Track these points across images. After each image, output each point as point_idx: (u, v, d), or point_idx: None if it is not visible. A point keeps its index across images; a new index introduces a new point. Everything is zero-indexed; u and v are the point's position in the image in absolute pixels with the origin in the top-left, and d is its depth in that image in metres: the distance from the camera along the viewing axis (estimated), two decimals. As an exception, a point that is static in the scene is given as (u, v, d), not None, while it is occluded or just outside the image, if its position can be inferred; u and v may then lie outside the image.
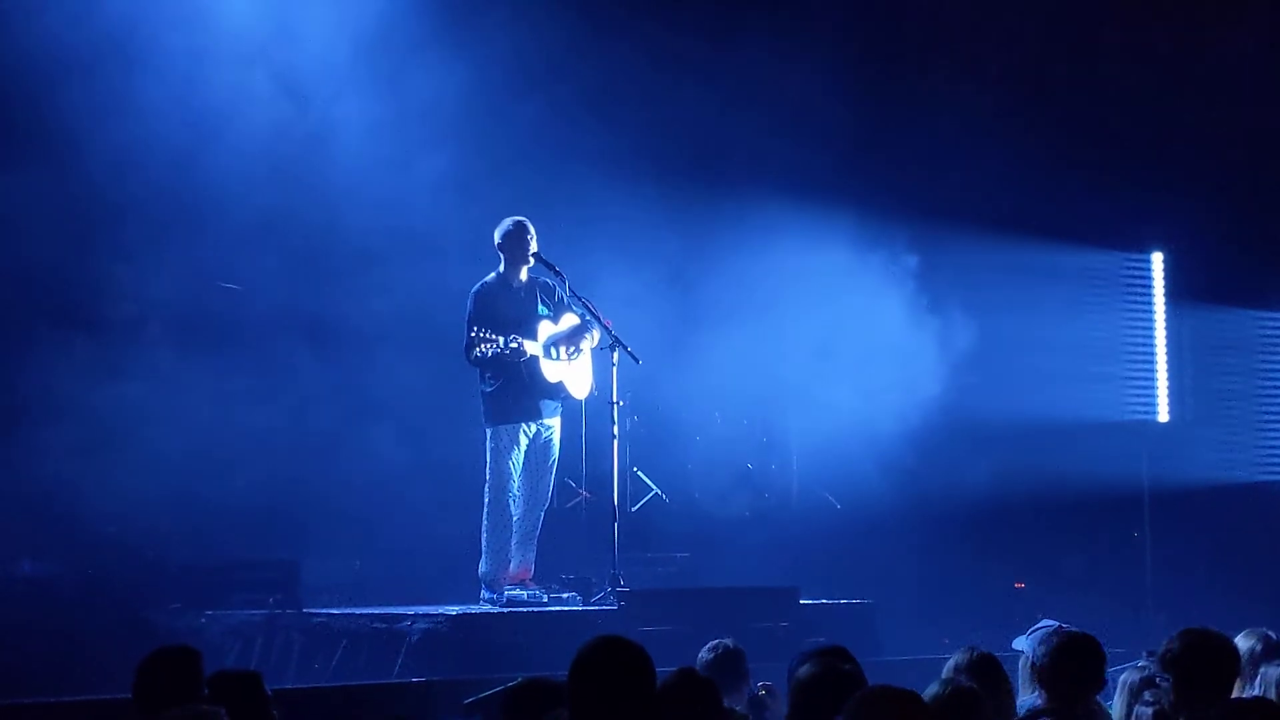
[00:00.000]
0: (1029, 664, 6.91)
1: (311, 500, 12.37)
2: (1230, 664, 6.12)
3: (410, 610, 10.60)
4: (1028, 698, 6.60)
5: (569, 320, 11.25)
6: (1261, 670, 6.90)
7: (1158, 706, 6.16)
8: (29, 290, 11.66)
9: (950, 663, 6.27)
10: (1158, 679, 6.14)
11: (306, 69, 12.30)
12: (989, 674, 6.11)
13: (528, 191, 12.31)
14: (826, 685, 5.20)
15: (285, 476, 12.36)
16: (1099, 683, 6.36)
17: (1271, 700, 6.36)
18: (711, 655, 7.15)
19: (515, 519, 11.12)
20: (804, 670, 5.36)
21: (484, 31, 12.63)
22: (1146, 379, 15.76)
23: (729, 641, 7.24)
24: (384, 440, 12.45)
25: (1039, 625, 7.27)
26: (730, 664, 7.09)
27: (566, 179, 12.78)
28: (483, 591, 11.15)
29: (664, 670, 5.46)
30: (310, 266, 12.32)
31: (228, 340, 12.34)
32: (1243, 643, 6.96)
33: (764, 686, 7.20)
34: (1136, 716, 6.30)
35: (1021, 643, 7.26)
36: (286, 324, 12.39)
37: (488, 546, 11.13)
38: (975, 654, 6.28)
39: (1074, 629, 6.74)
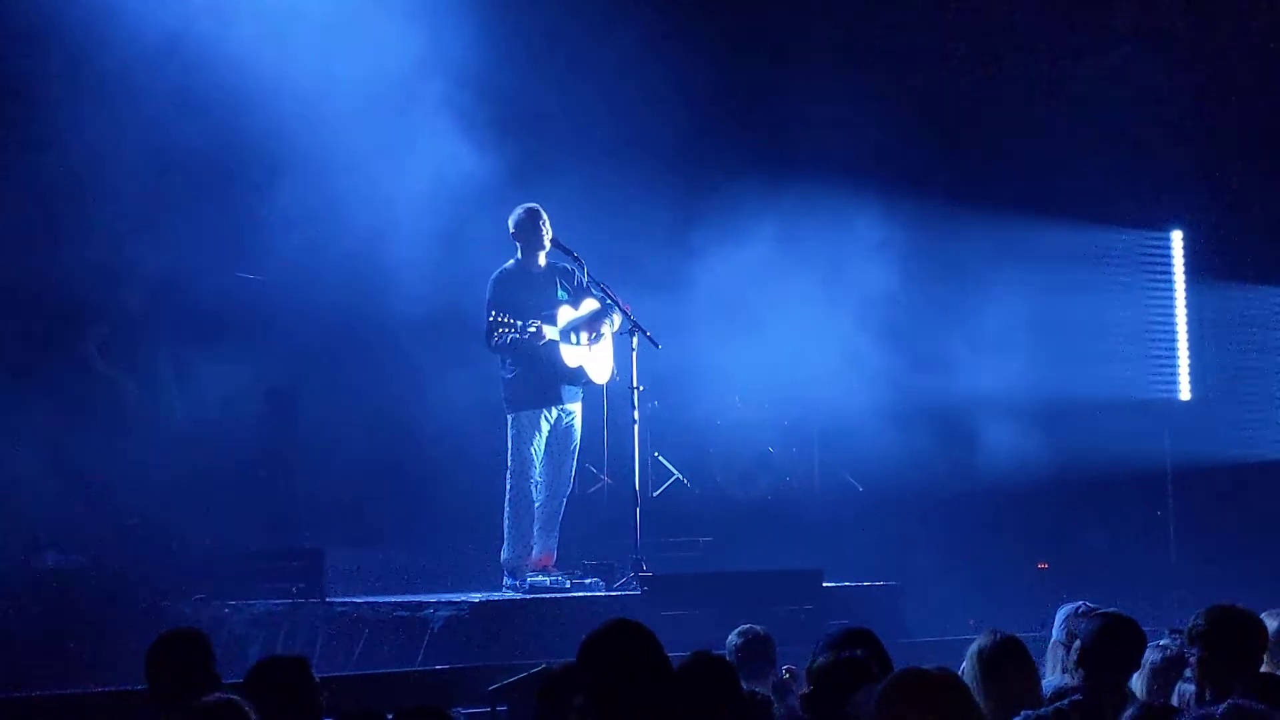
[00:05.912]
0: (1058, 645, 6.89)
1: (338, 490, 12.39)
2: (1258, 640, 6.09)
3: (433, 598, 10.60)
4: (1053, 679, 6.57)
5: (589, 305, 11.22)
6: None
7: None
8: (43, 282, 11.66)
9: (974, 646, 6.23)
10: (1187, 654, 6.10)
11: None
12: (1015, 658, 6.07)
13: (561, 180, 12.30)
14: (840, 673, 5.25)
15: (311, 466, 12.39)
16: (1136, 665, 6.34)
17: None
18: (740, 640, 7.18)
19: (537, 505, 11.12)
20: (819, 660, 5.43)
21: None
22: (1168, 357, 15.70)
23: (759, 628, 7.25)
24: (408, 429, 12.45)
25: (1075, 606, 7.23)
26: (758, 649, 7.12)
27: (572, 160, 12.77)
28: (505, 578, 11.14)
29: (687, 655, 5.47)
30: (337, 255, 12.25)
31: (252, 330, 12.33)
32: (1269, 622, 6.90)
33: (788, 670, 7.21)
34: (1179, 694, 6.26)
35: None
36: (312, 313, 12.36)
37: (510, 533, 11.13)
38: (1000, 637, 6.24)
39: (1109, 610, 6.69)
